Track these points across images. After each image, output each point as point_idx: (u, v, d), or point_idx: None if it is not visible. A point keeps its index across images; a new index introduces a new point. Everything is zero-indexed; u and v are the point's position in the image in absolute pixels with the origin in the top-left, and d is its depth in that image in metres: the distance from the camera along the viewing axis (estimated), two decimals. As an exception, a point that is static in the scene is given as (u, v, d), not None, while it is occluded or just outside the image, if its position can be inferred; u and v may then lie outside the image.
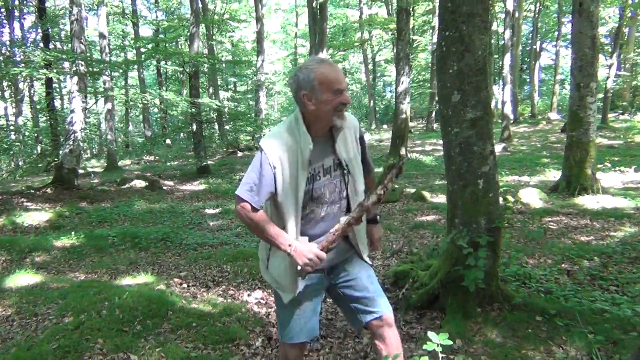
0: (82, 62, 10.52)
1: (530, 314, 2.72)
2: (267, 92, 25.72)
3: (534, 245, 4.52)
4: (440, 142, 3.31)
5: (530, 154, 13.30)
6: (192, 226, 6.86)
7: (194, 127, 14.41)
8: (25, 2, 15.82)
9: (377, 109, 32.20)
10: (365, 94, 33.56)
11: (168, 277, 4.24)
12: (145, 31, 30.08)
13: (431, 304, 3.04)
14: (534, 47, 25.61)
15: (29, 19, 18.74)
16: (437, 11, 16.11)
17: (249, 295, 3.73)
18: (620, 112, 20.27)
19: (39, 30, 12.79)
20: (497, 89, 21.55)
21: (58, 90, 22.99)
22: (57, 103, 22.15)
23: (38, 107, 22.76)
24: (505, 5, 16.72)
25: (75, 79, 10.35)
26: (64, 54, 11.14)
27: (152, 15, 28.53)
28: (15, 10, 16.85)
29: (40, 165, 12.53)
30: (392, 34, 22.78)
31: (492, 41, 22.20)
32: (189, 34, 14.95)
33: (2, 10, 15.27)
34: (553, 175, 8.91)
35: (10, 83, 20.36)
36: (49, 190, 9.74)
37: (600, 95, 16.03)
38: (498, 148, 13.52)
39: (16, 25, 18.06)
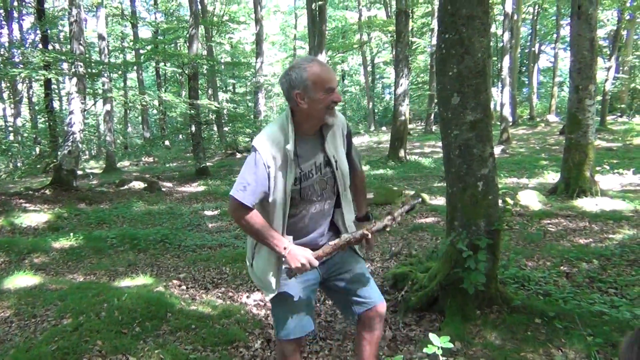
0: (81, 64, 10.51)
1: (529, 316, 2.72)
2: (266, 94, 25.78)
3: (533, 247, 4.52)
4: (439, 144, 3.31)
5: (529, 156, 13.30)
6: (191, 228, 6.84)
7: (193, 128, 14.39)
8: (24, 3, 15.82)
9: (376, 111, 32.18)
10: (364, 96, 33.60)
11: (167, 279, 4.24)
12: (145, 33, 30.10)
13: (430, 306, 3.04)
14: (533, 49, 25.66)
15: (28, 20, 18.80)
16: (436, 13, 16.13)
17: (248, 297, 3.73)
18: (619, 114, 20.29)
19: (38, 32, 12.78)
20: (495, 91, 21.56)
21: (57, 91, 22.96)
22: (56, 104, 22.08)
23: (37, 108, 22.76)
24: (504, 7, 16.76)
25: (74, 80, 10.34)
26: (63, 55, 11.13)
27: (151, 16, 28.47)
28: (14, 11, 16.85)
29: (38, 166, 12.53)
30: (391, 36, 22.84)
31: (491, 43, 22.20)
32: (188, 35, 14.94)
33: (1, 11, 15.27)
34: (552, 177, 8.91)
35: (9, 84, 20.33)
36: (47, 192, 9.72)
37: (599, 98, 16.07)
38: (497, 150, 13.50)
39: (15, 26, 18.09)
